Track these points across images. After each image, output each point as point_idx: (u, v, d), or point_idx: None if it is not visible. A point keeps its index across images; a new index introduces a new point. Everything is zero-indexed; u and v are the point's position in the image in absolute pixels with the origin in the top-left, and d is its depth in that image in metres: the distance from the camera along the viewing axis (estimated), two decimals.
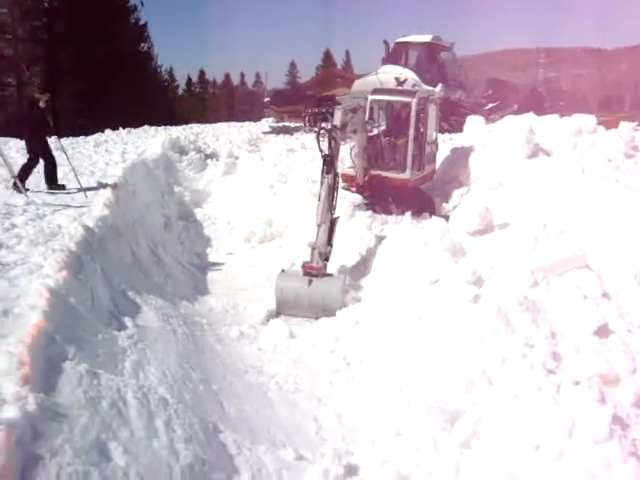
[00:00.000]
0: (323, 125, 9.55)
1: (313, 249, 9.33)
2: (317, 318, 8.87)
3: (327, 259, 9.46)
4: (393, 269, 8.90)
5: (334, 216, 9.64)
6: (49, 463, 3.56)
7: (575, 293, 7.11)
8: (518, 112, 21.68)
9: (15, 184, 10.51)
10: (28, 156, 11.35)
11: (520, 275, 7.65)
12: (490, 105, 23.53)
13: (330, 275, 9.35)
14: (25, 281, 6.12)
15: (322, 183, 9.45)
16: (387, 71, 20.54)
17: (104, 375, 4.91)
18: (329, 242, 9.49)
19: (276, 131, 23.54)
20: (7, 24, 39.70)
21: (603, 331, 6.46)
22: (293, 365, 7.37)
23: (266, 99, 26.02)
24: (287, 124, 25.76)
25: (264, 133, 23.09)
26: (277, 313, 9.18)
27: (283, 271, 9.51)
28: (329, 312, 8.78)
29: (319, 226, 9.39)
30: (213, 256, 11.99)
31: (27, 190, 10.96)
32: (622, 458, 4.68)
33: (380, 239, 10.55)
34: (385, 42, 24.13)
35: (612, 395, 5.52)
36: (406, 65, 22.69)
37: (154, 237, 10.97)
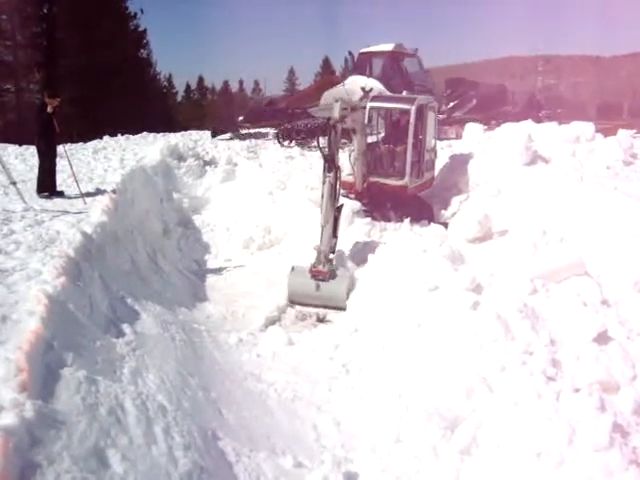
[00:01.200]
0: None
1: (319, 253, 9.65)
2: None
3: (333, 251, 9.87)
4: (392, 276, 8.88)
5: (338, 204, 9.92)
6: (47, 470, 3.53)
7: (574, 300, 7.10)
8: (478, 106, 22.20)
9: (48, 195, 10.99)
10: (40, 162, 11.34)
11: (519, 282, 7.64)
12: (451, 104, 23.86)
13: (336, 275, 9.63)
14: (23, 287, 6.10)
15: (324, 182, 9.64)
16: (353, 81, 21.31)
17: (102, 382, 4.88)
18: (334, 235, 9.83)
19: (236, 137, 23.83)
20: (7, 30, 39.75)
21: (603, 338, 6.45)
22: (292, 372, 7.34)
23: (240, 118, 26.66)
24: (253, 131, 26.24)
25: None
26: (290, 302, 9.69)
27: (293, 268, 9.85)
28: (337, 308, 9.31)
29: (323, 226, 9.67)
30: (212, 263, 11.97)
31: (62, 193, 11.23)
32: (623, 466, 4.69)
33: (379, 246, 10.53)
34: (350, 53, 24.97)
35: (612, 402, 5.51)
36: (371, 75, 23.39)
37: (153, 244, 10.96)
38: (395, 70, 23.92)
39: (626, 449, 4.83)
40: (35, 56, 40.22)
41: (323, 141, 9.99)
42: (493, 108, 23.10)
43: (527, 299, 7.16)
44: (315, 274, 9.56)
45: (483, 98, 23.56)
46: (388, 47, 24.20)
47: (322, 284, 9.50)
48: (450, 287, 7.58)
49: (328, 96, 23.48)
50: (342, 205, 10.19)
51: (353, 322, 8.36)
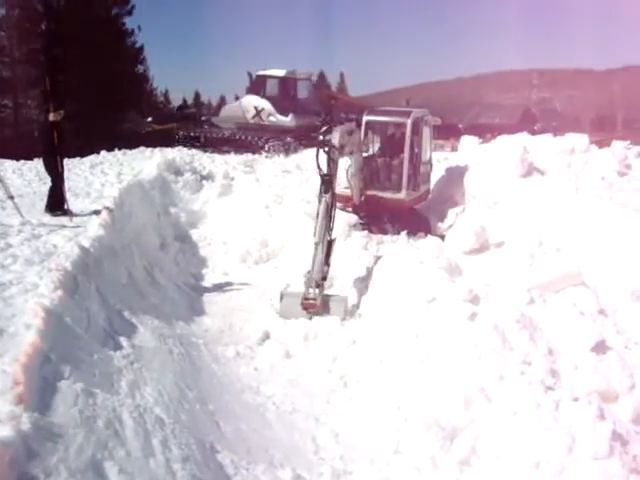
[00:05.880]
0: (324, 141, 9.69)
1: (309, 279, 9.25)
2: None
3: (324, 279, 9.41)
4: (390, 288, 8.87)
5: (331, 237, 9.56)
6: None
7: (572, 310, 7.11)
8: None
9: (59, 214, 10.62)
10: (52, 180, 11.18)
11: (516, 293, 7.65)
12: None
13: (329, 302, 9.22)
14: (20, 300, 6.09)
15: (320, 202, 9.42)
16: (248, 100, 24.36)
17: (100, 394, 4.86)
18: (326, 262, 9.42)
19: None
20: (5, 47, 39.85)
21: (600, 348, 6.46)
22: (290, 385, 7.32)
23: (149, 119, 28.05)
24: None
25: None
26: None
27: (282, 296, 9.47)
28: None
29: (316, 245, 9.30)
30: (209, 277, 11.94)
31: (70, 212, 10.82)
32: (623, 474, 4.69)
33: (376, 259, 10.52)
34: (249, 74, 26.50)
35: (611, 411, 5.50)
36: (264, 95, 25.11)
37: (150, 258, 10.93)
38: (285, 93, 25.67)
39: (626, 457, 4.82)
40: (33, 72, 40.25)
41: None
42: None
43: (524, 309, 7.18)
44: (307, 306, 9.11)
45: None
46: (280, 72, 25.96)
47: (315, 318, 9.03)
48: (447, 298, 7.57)
49: (226, 109, 26.72)
50: (335, 239, 9.76)
51: (351, 334, 8.34)
